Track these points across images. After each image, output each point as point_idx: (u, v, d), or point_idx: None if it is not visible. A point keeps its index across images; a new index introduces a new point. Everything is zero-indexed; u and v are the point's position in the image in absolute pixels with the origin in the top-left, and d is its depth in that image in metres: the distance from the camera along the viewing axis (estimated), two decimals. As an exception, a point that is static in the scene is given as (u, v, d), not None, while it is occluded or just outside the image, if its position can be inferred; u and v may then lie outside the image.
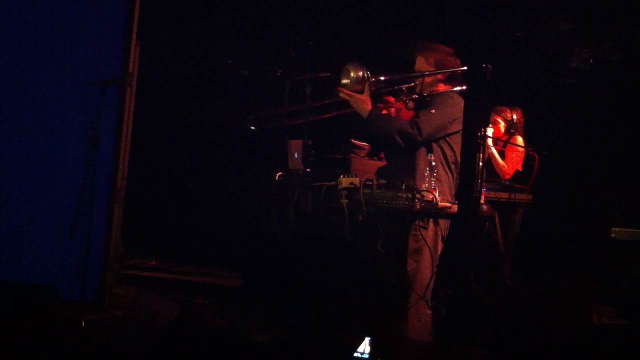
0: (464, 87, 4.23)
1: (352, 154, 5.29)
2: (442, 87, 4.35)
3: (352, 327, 3.66)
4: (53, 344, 3.91)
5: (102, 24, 5.03)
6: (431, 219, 3.97)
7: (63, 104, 4.96)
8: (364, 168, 5.08)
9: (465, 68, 4.15)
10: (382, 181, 4.25)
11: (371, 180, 4.19)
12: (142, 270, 6.05)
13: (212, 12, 6.25)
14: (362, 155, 5.39)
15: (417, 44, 4.43)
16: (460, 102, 4.21)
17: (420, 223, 3.93)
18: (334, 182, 4.30)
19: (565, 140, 5.77)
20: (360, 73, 4.26)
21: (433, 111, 4.19)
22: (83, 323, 4.26)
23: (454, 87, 4.29)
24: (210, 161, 7.03)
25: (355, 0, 5.43)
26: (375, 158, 5.49)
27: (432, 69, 4.25)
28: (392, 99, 5.92)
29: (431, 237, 3.98)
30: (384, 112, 4.74)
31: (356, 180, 4.20)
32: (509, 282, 5.01)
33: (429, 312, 3.97)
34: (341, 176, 4.26)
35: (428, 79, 4.28)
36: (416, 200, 4.02)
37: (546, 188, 5.38)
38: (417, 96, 4.50)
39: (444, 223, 4.03)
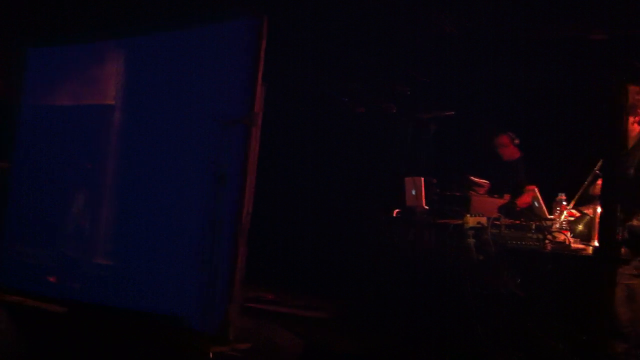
0: None
1: (471, 192, 5.26)
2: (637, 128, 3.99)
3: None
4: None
5: (229, 66, 5.23)
6: None
7: (192, 142, 5.17)
8: (483, 206, 5.03)
9: None
10: (505, 219, 4.18)
11: (499, 220, 4.15)
12: (261, 303, 6.17)
13: (328, 50, 6.39)
14: (481, 192, 5.35)
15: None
16: None
17: (632, 271, 3.76)
18: (460, 221, 4.29)
19: None
20: None
21: None
22: (211, 354, 4.40)
23: None
24: (327, 197, 7.12)
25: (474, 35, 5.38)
26: (496, 196, 5.42)
27: None
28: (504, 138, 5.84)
29: None
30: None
31: (483, 220, 4.16)
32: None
33: None
34: (467, 215, 4.24)
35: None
36: (547, 241, 3.93)
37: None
38: None
39: None
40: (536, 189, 4.88)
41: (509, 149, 5.85)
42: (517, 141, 5.82)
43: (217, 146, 4.87)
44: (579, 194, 4.16)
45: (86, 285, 5.23)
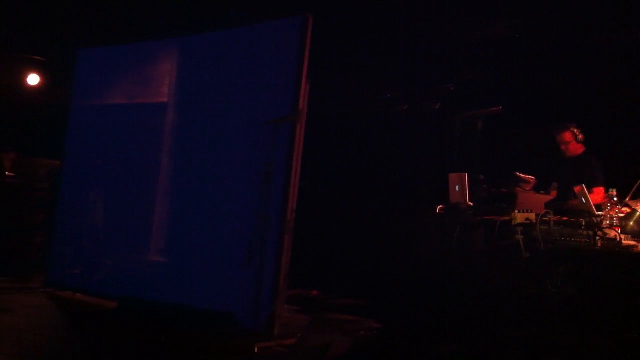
0: None
1: (517, 188, 5.16)
2: None
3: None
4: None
5: (275, 64, 5.27)
6: None
7: (239, 139, 5.25)
8: (530, 202, 4.92)
9: None
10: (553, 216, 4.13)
11: (547, 216, 4.09)
12: (306, 300, 6.21)
13: (370, 48, 6.40)
14: (528, 189, 5.23)
15: None
16: None
17: None
18: (507, 217, 4.24)
19: None
20: None
21: None
22: (257, 349, 4.45)
23: None
24: (369, 194, 7.11)
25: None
26: (542, 192, 5.33)
27: None
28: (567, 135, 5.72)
29: None
30: None
31: (532, 216, 4.11)
32: None
33: None
34: (515, 211, 4.19)
35: None
36: (597, 238, 3.87)
37: None
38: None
39: None
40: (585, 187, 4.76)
41: (572, 145, 5.67)
42: (581, 137, 5.63)
43: (263, 144, 4.92)
44: (634, 188, 4.08)
45: (137, 282, 5.34)
